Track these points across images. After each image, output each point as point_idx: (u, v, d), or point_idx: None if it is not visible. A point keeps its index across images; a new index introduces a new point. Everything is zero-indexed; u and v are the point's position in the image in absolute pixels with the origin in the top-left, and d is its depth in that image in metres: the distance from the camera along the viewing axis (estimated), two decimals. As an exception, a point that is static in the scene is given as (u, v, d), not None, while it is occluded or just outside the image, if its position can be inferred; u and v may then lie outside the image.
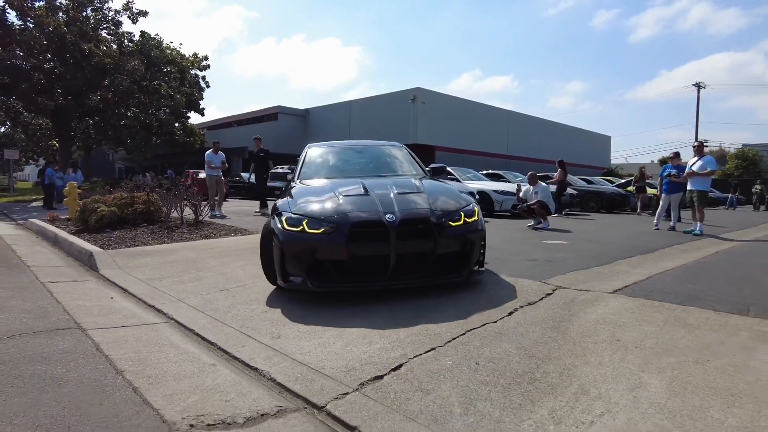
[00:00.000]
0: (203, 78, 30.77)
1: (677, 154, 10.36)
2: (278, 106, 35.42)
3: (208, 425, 1.92)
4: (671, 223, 9.79)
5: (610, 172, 40.93)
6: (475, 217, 3.75)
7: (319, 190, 4.16)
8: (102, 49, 21.01)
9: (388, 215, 3.46)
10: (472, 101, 31.65)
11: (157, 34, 25.06)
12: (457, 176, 13.92)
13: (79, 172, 17.92)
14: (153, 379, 2.37)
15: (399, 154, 5.65)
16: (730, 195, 23.73)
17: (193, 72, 28.82)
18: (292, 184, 4.74)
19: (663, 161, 47.95)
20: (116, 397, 2.15)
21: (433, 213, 3.58)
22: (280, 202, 4.04)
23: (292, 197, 4.04)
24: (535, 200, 9.55)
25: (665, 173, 9.99)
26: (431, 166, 5.36)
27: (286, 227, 3.53)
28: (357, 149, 5.83)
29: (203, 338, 2.98)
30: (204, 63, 28.35)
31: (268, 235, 3.76)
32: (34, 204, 16.90)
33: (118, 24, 23.11)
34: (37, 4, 19.56)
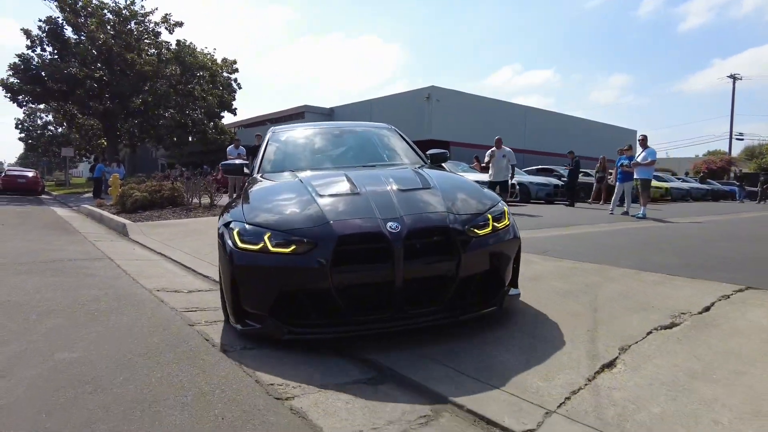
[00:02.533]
0: (235, 80, 33.25)
1: (630, 147, 11.55)
2: (305, 105, 37.54)
3: (166, 290, 3.71)
4: (624, 208, 11.04)
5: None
6: (506, 221, 2.75)
7: (286, 188, 3.07)
8: (143, 58, 23.65)
9: (390, 223, 2.42)
10: (486, 98, 32.77)
11: (191, 42, 27.56)
12: (449, 170, 15.43)
13: (122, 166, 20.45)
14: (145, 277, 4.20)
15: (390, 137, 4.40)
16: (737, 187, 24.04)
17: (225, 75, 31.27)
18: (250, 180, 3.53)
19: (709, 154, 47.22)
20: (123, 281, 3.98)
21: (454, 218, 2.55)
22: (233, 207, 2.90)
23: (248, 200, 2.90)
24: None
25: (619, 163, 11.24)
26: (430, 151, 4.13)
27: (240, 244, 2.47)
28: (335, 132, 4.50)
29: (184, 266, 4.80)
30: (233, 67, 30.75)
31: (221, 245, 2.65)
32: (86, 195, 19.50)
33: (158, 34, 25.74)
34: (89, 20, 22.25)
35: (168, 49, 26.34)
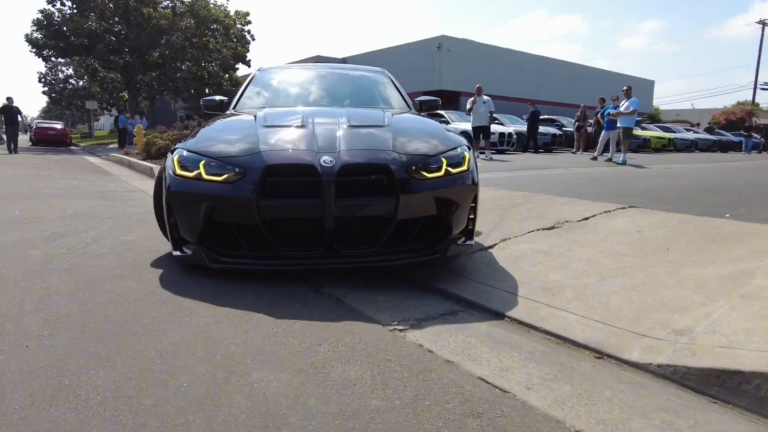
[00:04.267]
0: (248, 32, 33.55)
1: (617, 97, 12.17)
2: (317, 56, 37.68)
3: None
4: (608, 155, 11.80)
5: (652, 117, 40.63)
6: (464, 167, 2.62)
7: (239, 122, 3.09)
8: (158, 11, 24.26)
9: (324, 157, 2.34)
10: (499, 47, 32.55)
11: (204, -7, 27.91)
12: (448, 118, 16.19)
13: (144, 118, 21.55)
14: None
15: (379, 82, 4.28)
16: (743, 138, 24.11)
17: (238, 27, 31.61)
18: (213, 117, 3.66)
19: (738, 104, 45.96)
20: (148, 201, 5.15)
21: (397, 157, 2.45)
22: (184, 139, 2.92)
23: (198, 132, 2.92)
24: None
25: (606, 112, 11.89)
26: (420, 98, 4.06)
27: (177, 171, 2.47)
28: (322, 74, 4.39)
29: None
30: (246, 19, 31.03)
31: (160, 180, 2.70)
32: (111, 146, 20.79)
33: (172, -13, 26.19)
34: (103, -27, 22.85)
35: (182, 2, 26.78)
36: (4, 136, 22.54)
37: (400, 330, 1.96)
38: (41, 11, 22.83)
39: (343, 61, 37.97)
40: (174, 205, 2.49)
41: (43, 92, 35.17)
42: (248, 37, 33.39)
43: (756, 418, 1.44)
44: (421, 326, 2.01)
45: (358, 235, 2.48)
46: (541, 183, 6.20)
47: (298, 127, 2.74)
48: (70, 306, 2.12)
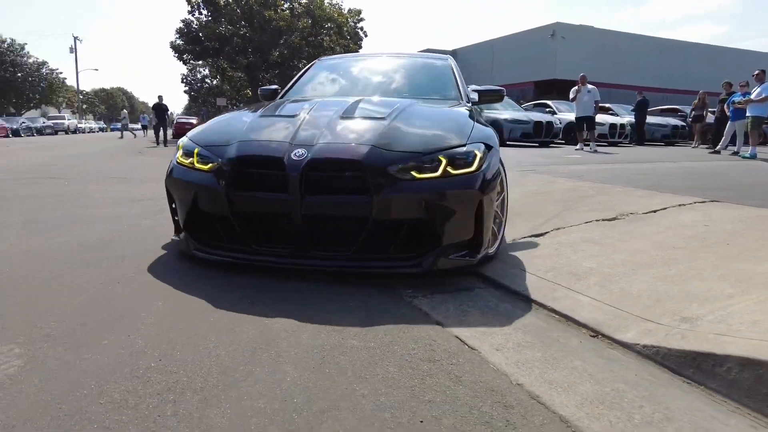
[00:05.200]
0: (361, 29, 34.88)
1: (747, 83, 10.77)
2: (427, 49, 38.01)
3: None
4: (735, 148, 10.57)
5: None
6: (472, 168, 2.31)
7: (247, 114, 3.03)
8: (278, 13, 26.33)
9: (297, 150, 2.23)
10: (618, 32, 30.12)
11: (320, -6, 29.60)
12: (554, 108, 15.51)
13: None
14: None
15: (435, 71, 4.07)
16: None
17: (351, 24, 33.00)
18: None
19: None
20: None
21: (375, 153, 2.21)
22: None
23: (210, 120, 3.03)
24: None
25: (732, 100, 10.62)
26: (480, 87, 3.82)
27: (179, 158, 2.57)
28: (375, 63, 4.38)
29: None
30: (359, 16, 32.28)
31: None
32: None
33: (290, -10, 28.22)
34: (233, -18, 25.42)
35: (299, 3, 28.69)
36: (135, 133, 26.18)
37: (410, 297, 2.19)
38: (182, 20, 26.11)
39: (453, 53, 37.82)
40: (171, 190, 2.59)
41: (185, 91, 40.04)
42: (361, 33, 34.71)
43: (719, 399, 1.45)
44: (432, 296, 2.21)
45: (333, 236, 2.34)
46: (632, 176, 5.87)
47: (290, 117, 2.67)
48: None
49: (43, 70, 46.79)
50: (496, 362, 1.59)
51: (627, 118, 15.44)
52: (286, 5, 28.59)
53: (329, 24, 30.50)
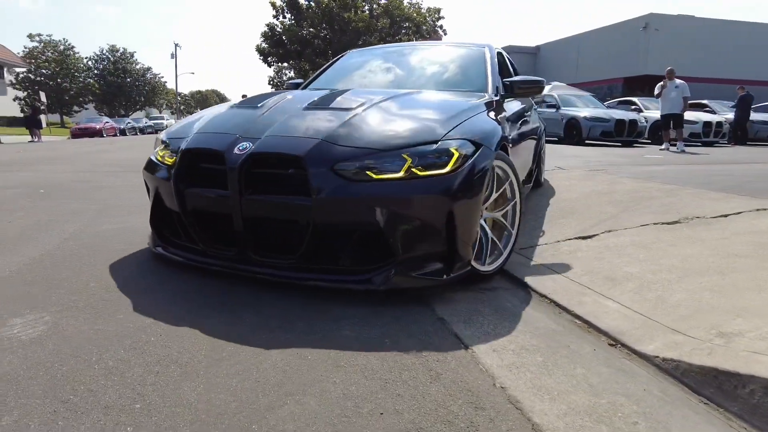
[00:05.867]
0: (440, 26, 34.73)
1: None
2: (509, 46, 36.91)
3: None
4: None
5: None
6: (445, 169, 1.94)
7: (225, 106, 2.79)
8: (357, 15, 26.92)
9: (242, 143, 2.03)
10: (721, 20, 27.30)
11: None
12: (641, 105, 14.40)
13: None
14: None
15: (462, 61, 3.67)
16: None
17: (430, 22, 32.96)
18: None
19: None
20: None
21: (324, 148, 1.95)
22: None
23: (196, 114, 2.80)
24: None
25: None
26: (515, 78, 3.46)
27: (156, 151, 2.48)
28: (401, 53, 4.01)
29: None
30: (438, 14, 32.15)
31: None
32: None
33: (370, -8, 28.75)
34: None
35: (378, 4, 29.12)
36: None
37: (429, 294, 2.13)
38: (267, 24, 27.52)
39: (536, 49, 36.43)
40: (147, 187, 2.53)
41: (270, 93, 42.28)
42: (440, 32, 34.57)
43: (736, 424, 1.27)
44: (445, 293, 2.15)
45: (279, 241, 2.10)
46: (712, 177, 5.32)
47: (255, 108, 2.46)
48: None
49: (148, 75, 51.40)
50: (486, 363, 1.51)
51: (725, 116, 14.00)
52: (365, 7, 29.16)
53: (407, 23, 30.67)
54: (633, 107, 14.68)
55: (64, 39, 46.98)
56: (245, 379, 1.36)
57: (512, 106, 3.48)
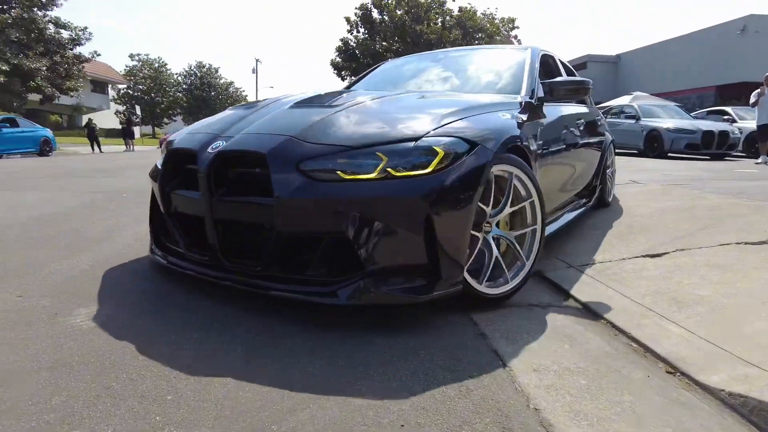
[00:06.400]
0: (515, 36, 34.10)
1: None
2: (587, 55, 35.43)
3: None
4: None
5: None
6: (426, 169, 1.71)
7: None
8: (430, 27, 27.07)
9: (217, 142, 1.95)
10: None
11: (471, 6, 29.64)
12: (734, 115, 13.19)
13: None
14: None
15: (499, 65, 3.39)
16: None
17: (504, 32, 32.46)
18: None
19: None
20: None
21: (290, 145, 1.79)
22: None
23: None
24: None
25: None
26: (558, 79, 3.04)
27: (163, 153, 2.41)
28: (435, 59, 3.80)
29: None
30: (513, 24, 31.60)
31: None
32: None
33: (442, 4, 28.77)
34: (387, 1, 26.87)
35: (451, 16, 29.13)
36: None
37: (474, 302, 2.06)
38: (341, 39, 28.39)
39: (617, 58, 34.69)
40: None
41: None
42: (515, 42, 33.94)
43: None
44: (489, 307, 2.06)
45: (249, 246, 1.95)
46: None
47: (247, 109, 2.37)
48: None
49: (230, 88, 54.74)
50: (523, 382, 1.43)
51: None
52: (438, 19, 29.28)
53: (480, 34, 30.39)
54: (725, 117, 13.52)
55: (158, 57, 51.40)
56: (273, 381, 1.38)
57: (556, 111, 3.13)
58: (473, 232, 1.87)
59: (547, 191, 2.51)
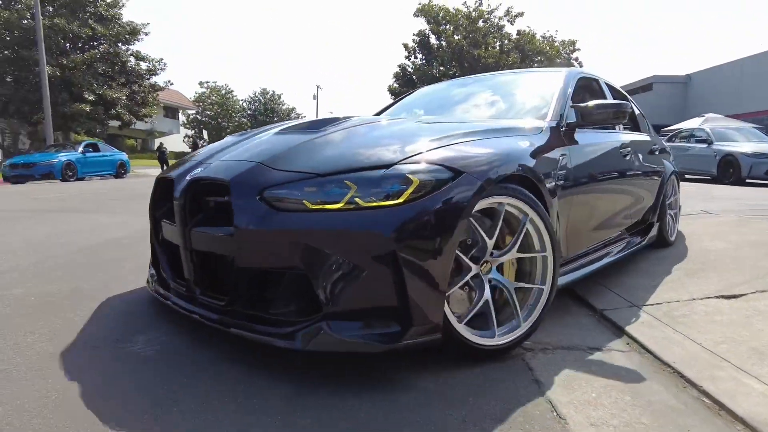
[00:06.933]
0: (576, 59, 33.39)
1: None
2: (653, 76, 34.05)
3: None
4: None
5: None
6: (397, 199, 1.54)
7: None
8: (487, 51, 27.09)
9: (197, 168, 1.92)
10: None
11: (530, 29, 29.38)
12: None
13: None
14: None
15: (530, 89, 3.20)
16: None
17: (564, 55, 31.89)
18: None
19: None
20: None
21: (255, 172, 1.71)
22: None
23: None
24: None
25: None
26: (585, 104, 2.58)
27: None
28: (466, 84, 3.69)
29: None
30: (573, 47, 30.99)
31: None
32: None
33: (500, 28, 28.78)
34: (447, 27, 27.21)
35: (509, 39, 29.02)
36: None
37: (523, 348, 1.97)
38: (399, 65, 28.97)
39: (687, 78, 33.06)
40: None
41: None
42: (576, 64, 33.24)
43: None
44: (551, 351, 1.96)
45: (219, 280, 1.85)
46: None
47: (242, 135, 2.35)
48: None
49: (292, 114, 56.93)
50: (571, 421, 1.34)
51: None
52: (497, 43, 29.26)
53: (540, 57, 30.01)
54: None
55: (225, 84, 54.48)
56: (320, 414, 1.37)
57: (593, 138, 2.84)
58: (471, 263, 1.75)
59: (575, 229, 2.38)
